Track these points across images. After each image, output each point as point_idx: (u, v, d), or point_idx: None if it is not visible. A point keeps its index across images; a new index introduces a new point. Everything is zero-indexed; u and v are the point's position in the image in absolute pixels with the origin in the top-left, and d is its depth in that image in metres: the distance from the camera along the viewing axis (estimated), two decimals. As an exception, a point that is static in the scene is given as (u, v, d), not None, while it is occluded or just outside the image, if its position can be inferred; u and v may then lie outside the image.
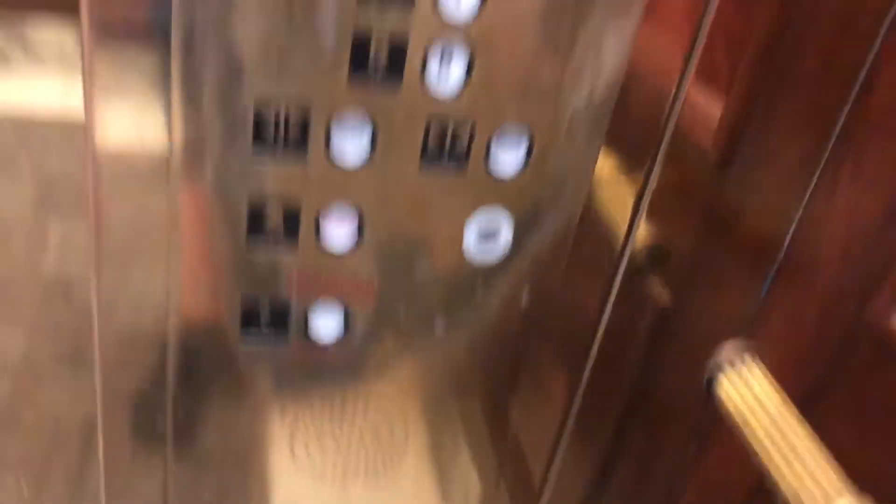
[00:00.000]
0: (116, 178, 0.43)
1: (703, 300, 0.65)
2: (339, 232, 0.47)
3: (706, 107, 0.65)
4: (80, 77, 0.41)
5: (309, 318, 0.50)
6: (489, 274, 0.51)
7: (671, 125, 0.55)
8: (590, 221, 0.57)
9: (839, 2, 0.52)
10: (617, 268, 0.58)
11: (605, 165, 0.58)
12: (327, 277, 0.48)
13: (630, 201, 0.59)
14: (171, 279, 0.47)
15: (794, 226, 0.55)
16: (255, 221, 0.45)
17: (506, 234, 0.50)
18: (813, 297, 0.53)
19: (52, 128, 1.75)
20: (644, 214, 0.59)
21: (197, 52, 0.40)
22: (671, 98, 0.53)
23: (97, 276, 0.46)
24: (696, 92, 0.67)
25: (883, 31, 0.48)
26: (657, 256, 0.64)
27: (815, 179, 0.53)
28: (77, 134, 0.43)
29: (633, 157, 0.57)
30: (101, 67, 0.40)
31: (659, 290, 0.68)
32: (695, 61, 0.54)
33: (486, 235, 0.49)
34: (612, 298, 0.60)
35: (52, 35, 1.87)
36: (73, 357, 1.22)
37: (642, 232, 0.64)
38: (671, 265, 0.67)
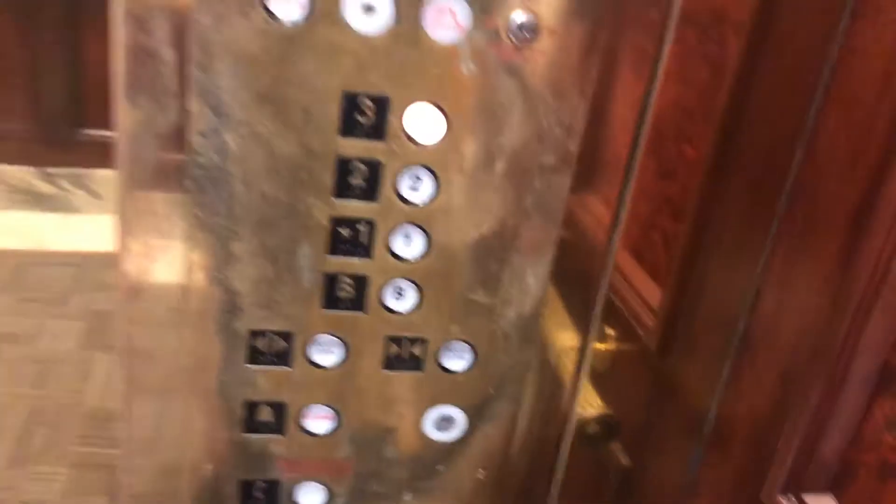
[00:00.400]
0: (142, 317, 0.52)
1: (652, 466, 0.73)
2: (318, 424, 0.57)
3: (650, 297, 0.75)
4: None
5: (296, 493, 0.59)
6: (448, 453, 0.60)
7: (601, 300, 0.63)
8: (551, 390, 0.67)
9: (739, 215, 0.62)
10: (562, 434, 0.67)
11: (562, 340, 0.67)
12: (310, 460, 0.58)
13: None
14: (188, 424, 0.56)
15: (713, 409, 0.64)
16: (250, 416, 0.56)
17: (460, 421, 0.59)
18: (728, 475, 0.61)
19: (105, 267, 1.91)
20: (582, 385, 0.67)
21: (201, 291, 0.52)
22: (598, 276, 0.62)
23: (126, 408, 0.54)
24: (645, 286, 0.77)
25: (763, 258, 0.58)
26: (610, 426, 0.73)
27: (725, 372, 0.62)
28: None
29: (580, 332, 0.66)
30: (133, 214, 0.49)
31: (619, 454, 0.77)
32: (615, 243, 0.62)
33: (443, 423, 0.59)
34: (562, 461, 0.69)
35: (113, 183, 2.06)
36: (112, 493, 1.31)
37: (597, 402, 0.73)
38: (629, 433, 0.75)
